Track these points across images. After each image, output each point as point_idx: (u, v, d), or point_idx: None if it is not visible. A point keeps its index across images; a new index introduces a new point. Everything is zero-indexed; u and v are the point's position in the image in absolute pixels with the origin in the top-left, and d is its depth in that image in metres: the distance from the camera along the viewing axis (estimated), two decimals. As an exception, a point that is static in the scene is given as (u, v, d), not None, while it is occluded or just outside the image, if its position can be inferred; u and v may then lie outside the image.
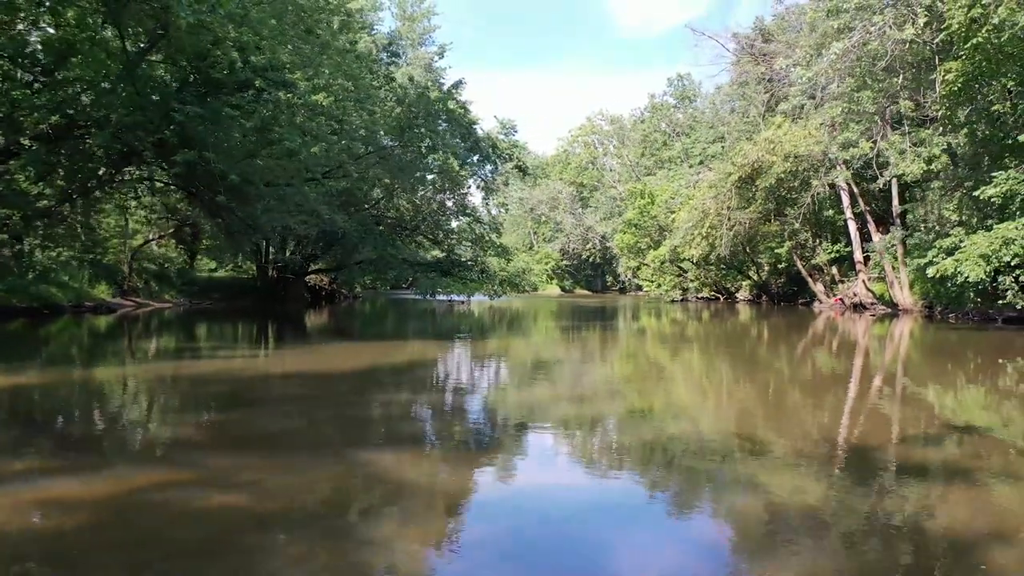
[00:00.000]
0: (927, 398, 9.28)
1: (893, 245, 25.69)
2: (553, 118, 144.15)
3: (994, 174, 16.86)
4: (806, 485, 4.93)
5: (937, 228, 24.35)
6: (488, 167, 52.07)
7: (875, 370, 12.62)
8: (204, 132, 17.33)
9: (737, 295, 49.78)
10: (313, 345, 16.70)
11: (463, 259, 43.48)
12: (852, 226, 34.83)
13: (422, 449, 5.97)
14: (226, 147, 18.00)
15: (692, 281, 47.16)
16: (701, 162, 40.08)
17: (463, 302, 43.74)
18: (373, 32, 46.35)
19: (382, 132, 24.62)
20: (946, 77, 19.07)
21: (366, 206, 41.99)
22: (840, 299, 37.25)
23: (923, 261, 20.31)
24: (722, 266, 46.29)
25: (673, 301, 48.87)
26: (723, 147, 38.51)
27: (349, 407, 7.77)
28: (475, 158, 46.28)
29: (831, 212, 36.95)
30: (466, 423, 7.18)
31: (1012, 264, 17.80)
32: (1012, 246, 17.29)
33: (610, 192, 63.57)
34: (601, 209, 67.84)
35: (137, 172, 20.73)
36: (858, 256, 35.11)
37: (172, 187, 23.21)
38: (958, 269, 17.93)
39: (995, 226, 18.01)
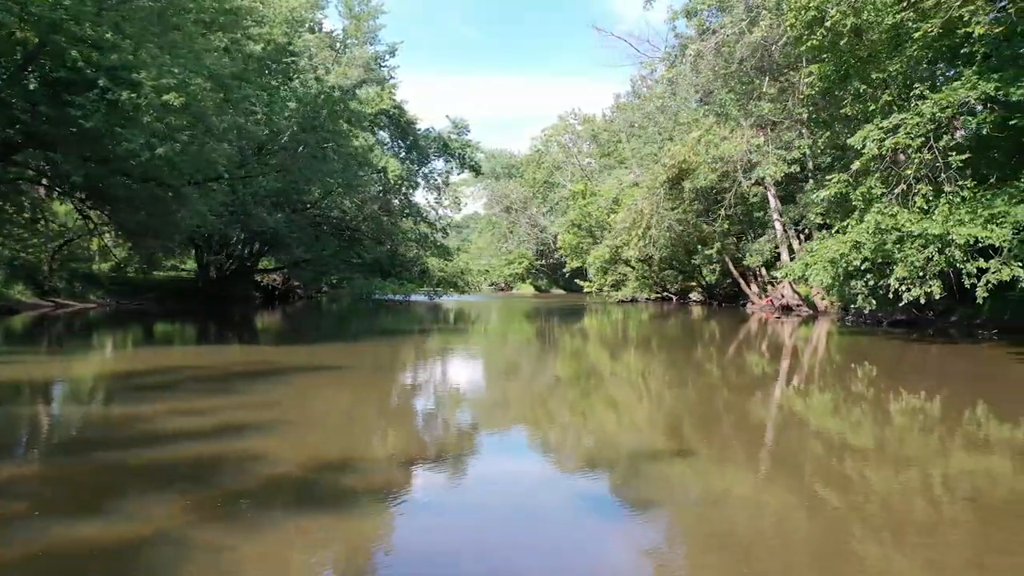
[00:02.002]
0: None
1: (762, 249, 25.46)
2: (551, 118, 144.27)
3: (828, 177, 16.69)
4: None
5: (805, 231, 24.18)
6: (438, 165, 52.21)
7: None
8: (47, 131, 17.31)
9: (690, 296, 49.63)
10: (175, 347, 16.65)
11: (404, 259, 43.44)
12: (779, 227, 34.63)
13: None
14: (76, 147, 17.97)
15: (634, 281, 46.98)
16: (627, 161, 39.90)
17: (402, 301, 43.71)
18: (318, 29, 46.40)
19: (266, 133, 24.51)
20: (806, 80, 18.91)
21: (308, 206, 42.00)
22: (771, 300, 37.07)
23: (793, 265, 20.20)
24: (666, 267, 46.11)
25: (621, 302, 48.71)
26: (657, 147, 38.36)
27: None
28: (415, 156, 46.42)
29: (760, 213, 36.68)
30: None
31: (863, 269, 17.59)
32: (862, 250, 17.09)
33: (562, 192, 63.43)
34: (558, 209, 67.77)
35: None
36: (785, 257, 34.88)
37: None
38: (806, 273, 17.78)
39: (849, 229, 17.83)
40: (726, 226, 37.12)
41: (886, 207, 15.27)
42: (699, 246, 41.57)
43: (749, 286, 39.20)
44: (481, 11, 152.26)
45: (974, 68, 15.07)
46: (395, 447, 6.50)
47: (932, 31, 13.96)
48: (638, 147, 39.95)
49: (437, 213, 49.06)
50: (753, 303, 38.63)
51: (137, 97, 17.46)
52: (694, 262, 41.77)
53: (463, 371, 13.94)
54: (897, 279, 15.45)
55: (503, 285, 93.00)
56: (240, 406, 8.28)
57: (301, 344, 18.59)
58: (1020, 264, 13.97)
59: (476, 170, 52.65)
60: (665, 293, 50.89)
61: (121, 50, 18.47)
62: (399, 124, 42.34)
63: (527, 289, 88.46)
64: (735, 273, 38.96)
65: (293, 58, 27.26)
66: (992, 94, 14.65)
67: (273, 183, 33.15)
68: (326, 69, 43.65)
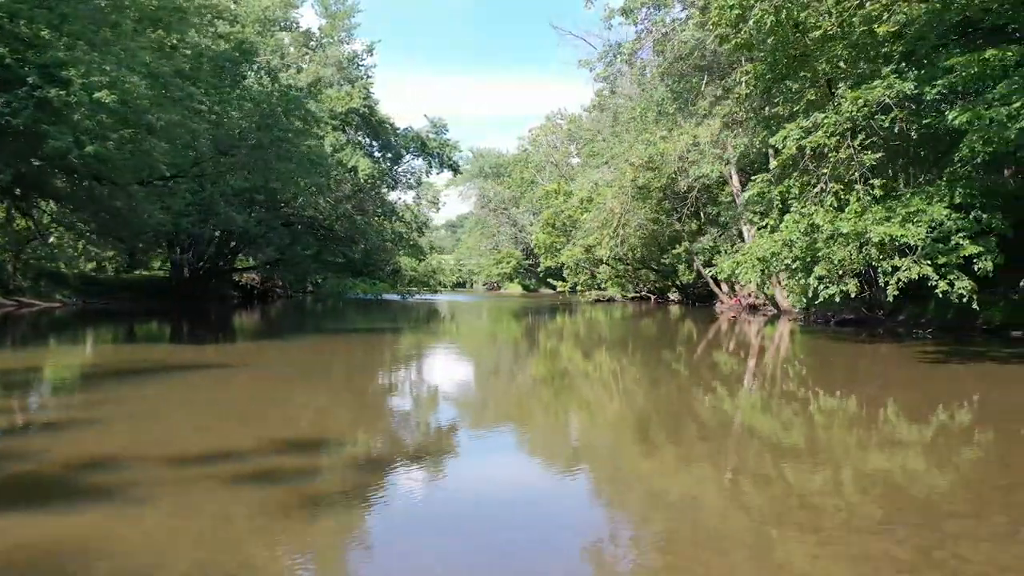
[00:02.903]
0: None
1: (708, 246, 25.41)
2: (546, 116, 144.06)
3: (754, 177, 16.64)
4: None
5: (740, 231, 24.11)
6: (418, 164, 52.23)
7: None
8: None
9: (669, 295, 49.55)
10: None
11: (377, 259, 43.40)
12: (745, 227, 34.54)
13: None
14: (4, 145, 17.98)
15: (609, 280, 46.95)
16: (607, 162, 39.90)
17: (378, 300, 43.71)
18: (295, 27, 46.41)
19: (221, 132, 24.49)
20: (743, 79, 18.87)
21: (281, 205, 41.94)
22: (739, 300, 37.03)
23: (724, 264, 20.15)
24: (641, 267, 46.02)
25: (598, 301, 48.67)
26: (628, 146, 38.29)
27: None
28: (387, 155, 46.40)
29: (730, 212, 36.56)
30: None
31: (794, 267, 17.54)
32: (792, 248, 17.02)
33: (537, 192, 63.54)
34: (538, 209, 67.90)
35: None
36: (751, 257, 34.74)
37: None
38: (736, 271, 17.72)
39: (782, 227, 17.77)
40: (694, 225, 37.08)
41: (803, 207, 15.23)
42: (676, 245, 41.53)
43: (719, 285, 39.11)
44: (482, 11, 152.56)
45: (891, 67, 15.03)
46: (204, 448, 6.44)
47: (832, 29, 13.91)
48: (610, 145, 39.90)
49: (414, 213, 49.03)
50: (723, 302, 38.60)
51: (67, 95, 17.42)
52: (664, 262, 41.70)
53: (392, 371, 13.88)
54: (816, 277, 15.41)
55: (492, 284, 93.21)
56: (88, 403, 8.28)
57: (232, 343, 18.58)
58: (930, 263, 13.91)
59: (455, 169, 52.65)
60: (644, 292, 50.86)
61: (53, 47, 18.50)
62: (370, 123, 42.32)
63: (515, 288, 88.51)
64: (703, 272, 38.88)
65: (247, 55, 27.23)
66: (909, 93, 14.59)
67: (241, 182, 33.17)
68: (297, 68, 43.68)
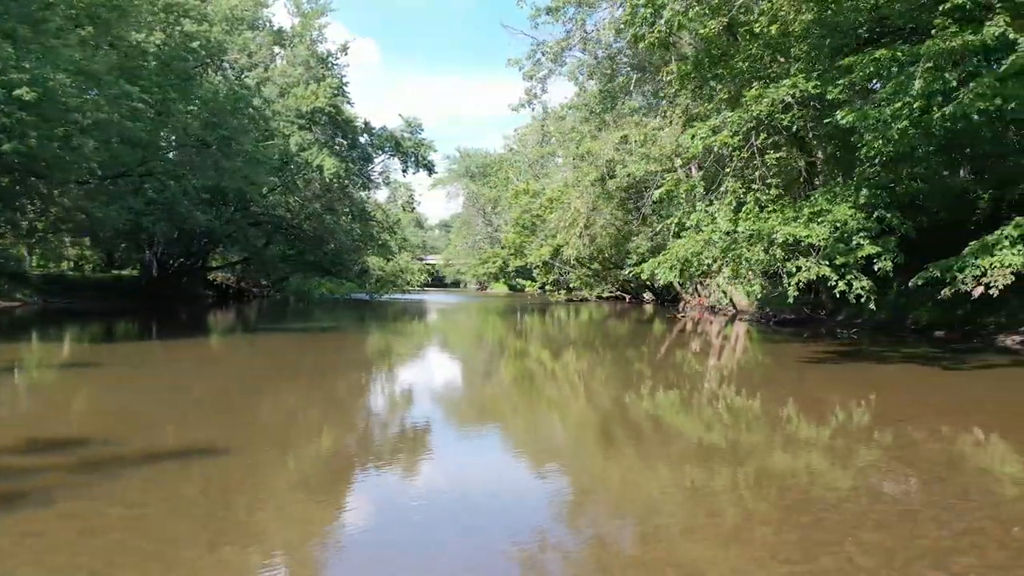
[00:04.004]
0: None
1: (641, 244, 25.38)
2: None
3: (665, 177, 16.60)
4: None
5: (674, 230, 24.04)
6: (395, 163, 52.19)
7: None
8: None
9: (644, 295, 49.44)
10: None
11: (344, 258, 43.32)
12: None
13: None
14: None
15: (578, 280, 46.87)
16: (571, 161, 39.78)
17: (344, 298, 43.70)
18: (268, 26, 46.34)
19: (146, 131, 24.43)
20: (668, 79, 18.81)
21: (250, 204, 41.86)
22: (702, 300, 36.94)
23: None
24: (612, 266, 45.92)
25: (570, 301, 48.58)
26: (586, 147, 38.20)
27: None
28: (355, 154, 46.35)
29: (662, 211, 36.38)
30: None
31: (715, 267, 17.46)
32: (713, 248, 16.95)
33: (506, 192, 63.55)
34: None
35: None
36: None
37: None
38: (655, 271, 17.63)
39: (705, 228, 17.69)
40: (656, 225, 36.92)
41: (708, 205, 15.17)
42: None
43: (683, 286, 38.98)
44: (482, 11, 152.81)
45: (798, 66, 14.95)
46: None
47: (714, 28, 13.84)
48: (571, 145, 39.86)
49: (384, 212, 48.97)
50: (687, 303, 38.51)
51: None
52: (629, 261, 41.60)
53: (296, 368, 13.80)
54: (725, 277, 15.35)
55: (481, 284, 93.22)
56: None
57: (144, 341, 18.53)
58: (828, 264, 13.83)
59: (429, 169, 52.61)
60: (619, 292, 50.74)
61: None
62: (336, 122, 42.27)
63: (501, 288, 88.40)
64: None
65: (195, 52, 27.20)
66: (812, 92, 14.51)
67: (202, 180, 33.10)
68: (265, 67, 43.64)
